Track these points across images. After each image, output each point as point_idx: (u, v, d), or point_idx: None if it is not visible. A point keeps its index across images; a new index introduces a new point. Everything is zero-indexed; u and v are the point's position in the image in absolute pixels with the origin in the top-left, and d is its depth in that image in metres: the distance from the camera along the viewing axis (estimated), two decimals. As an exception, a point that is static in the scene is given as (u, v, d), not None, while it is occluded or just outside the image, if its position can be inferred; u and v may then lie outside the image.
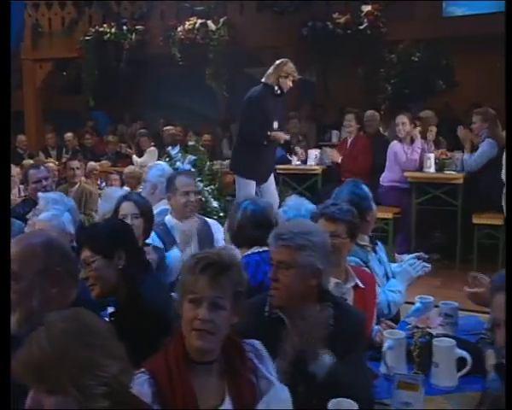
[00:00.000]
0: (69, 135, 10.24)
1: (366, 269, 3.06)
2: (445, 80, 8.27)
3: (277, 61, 5.68)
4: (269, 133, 5.55)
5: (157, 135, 9.68)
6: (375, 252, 3.39)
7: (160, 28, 9.74)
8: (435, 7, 8.74)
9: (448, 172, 5.98)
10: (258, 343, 1.90)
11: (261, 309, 2.23)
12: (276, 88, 5.53)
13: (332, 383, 1.95)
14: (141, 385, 1.68)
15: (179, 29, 9.50)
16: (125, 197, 3.57)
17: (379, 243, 3.55)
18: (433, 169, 6.02)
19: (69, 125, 10.76)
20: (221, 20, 9.40)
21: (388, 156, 6.50)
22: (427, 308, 2.87)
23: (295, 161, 7.31)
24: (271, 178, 5.90)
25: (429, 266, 3.33)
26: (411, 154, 6.30)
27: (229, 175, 8.72)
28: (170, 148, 5.80)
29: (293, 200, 3.65)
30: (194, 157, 5.43)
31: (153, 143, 9.28)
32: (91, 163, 8.42)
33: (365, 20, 8.76)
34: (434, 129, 6.49)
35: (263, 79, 5.74)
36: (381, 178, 6.60)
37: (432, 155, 6.05)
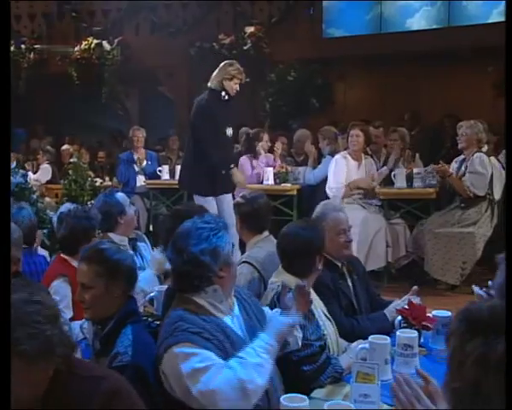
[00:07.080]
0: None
1: None
2: (320, 99, 8.66)
3: (222, 63, 5.15)
4: (232, 166, 5.23)
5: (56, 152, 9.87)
6: (135, 250, 3.80)
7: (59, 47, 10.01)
8: (315, 29, 9.16)
9: (284, 184, 6.27)
10: None
11: None
12: (223, 93, 5.04)
13: None
14: None
15: (76, 49, 9.79)
16: None
17: (139, 245, 3.95)
18: (271, 181, 6.31)
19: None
20: (116, 40, 9.72)
21: (237, 171, 6.78)
22: None
23: (164, 176, 7.55)
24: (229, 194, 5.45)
25: None
26: (256, 168, 6.60)
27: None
28: (9, 162, 5.98)
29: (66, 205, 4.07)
30: (24, 172, 5.63)
31: (47, 161, 9.48)
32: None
33: (249, 41, 9.15)
34: (280, 145, 6.81)
35: (208, 84, 5.17)
36: (235, 192, 6.88)
37: (270, 169, 6.34)
